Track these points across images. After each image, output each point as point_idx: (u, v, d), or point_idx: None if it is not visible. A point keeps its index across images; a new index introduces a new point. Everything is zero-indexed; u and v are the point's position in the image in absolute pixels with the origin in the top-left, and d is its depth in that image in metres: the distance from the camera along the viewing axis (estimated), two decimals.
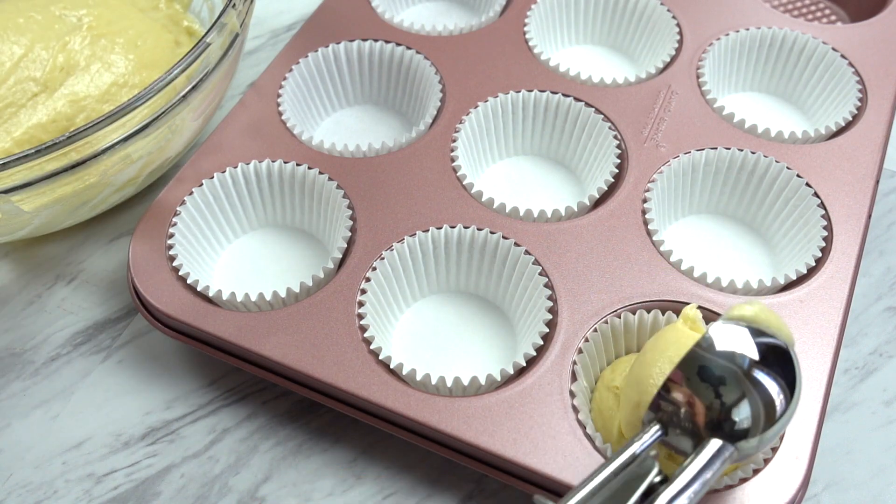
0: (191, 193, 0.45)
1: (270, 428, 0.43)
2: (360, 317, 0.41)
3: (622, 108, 0.49)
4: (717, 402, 0.31)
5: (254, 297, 0.42)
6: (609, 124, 0.48)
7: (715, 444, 0.30)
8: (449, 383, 0.39)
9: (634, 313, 0.41)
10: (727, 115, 0.49)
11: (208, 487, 0.41)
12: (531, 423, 0.37)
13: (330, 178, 0.46)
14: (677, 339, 0.35)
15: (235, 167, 0.46)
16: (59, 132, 0.46)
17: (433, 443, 0.38)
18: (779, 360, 0.32)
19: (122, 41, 0.49)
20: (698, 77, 0.51)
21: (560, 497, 0.36)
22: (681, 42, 0.53)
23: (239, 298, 0.41)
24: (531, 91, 0.50)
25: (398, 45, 0.52)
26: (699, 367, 0.32)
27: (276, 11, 0.64)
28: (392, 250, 0.43)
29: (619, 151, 0.47)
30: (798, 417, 0.37)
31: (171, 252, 0.43)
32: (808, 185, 0.45)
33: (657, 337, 0.36)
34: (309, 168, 0.46)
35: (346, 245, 0.43)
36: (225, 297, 0.41)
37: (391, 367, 0.39)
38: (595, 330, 0.40)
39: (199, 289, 0.42)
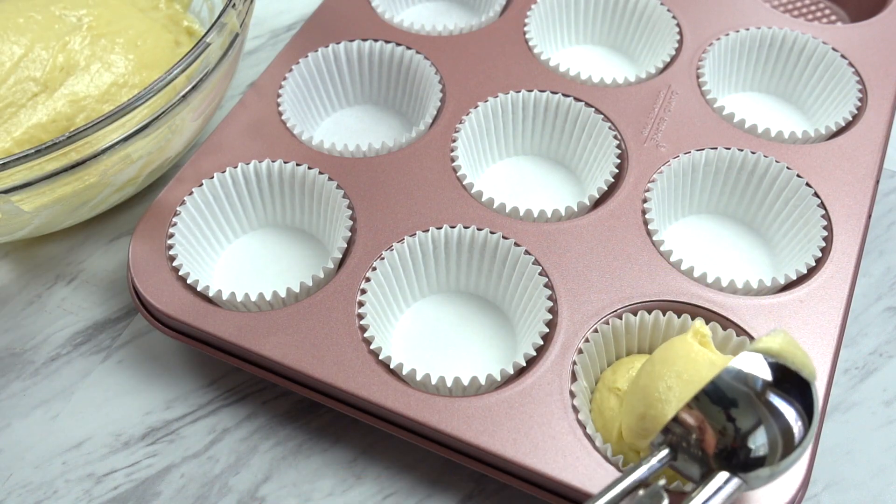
0: (191, 193, 0.45)
1: (270, 428, 0.43)
2: (360, 317, 0.41)
3: (622, 108, 0.49)
4: (731, 427, 0.30)
5: (254, 297, 0.42)
6: (609, 124, 0.48)
7: (721, 477, 0.30)
8: (449, 383, 0.39)
9: (635, 314, 0.41)
10: (727, 115, 0.49)
11: (208, 487, 0.41)
12: (531, 423, 0.37)
13: (330, 178, 0.46)
14: (686, 353, 0.35)
15: (235, 167, 0.46)
16: (59, 132, 0.46)
17: (433, 443, 0.38)
18: (797, 385, 0.31)
19: (122, 41, 0.49)
20: (698, 77, 0.51)
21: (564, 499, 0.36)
22: (681, 42, 0.53)
23: (239, 298, 0.41)
24: (531, 91, 0.50)
25: (398, 45, 0.52)
26: (711, 390, 0.31)
27: (276, 11, 0.64)
28: (392, 250, 0.43)
29: (619, 151, 0.47)
30: None
31: (171, 252, 0.43)
32: (808, 185, 0.45)
33: (665, 348, 0.36)
34: (309, 168, 0.46)
35: (346, 245, 0.43)
36: (225, 297, 0.41)
37: (391, 367, 0.39)
38: (595, 330, 0.40)
39: (199, 289, 0.42)
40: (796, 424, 0.30)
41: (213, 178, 0.46)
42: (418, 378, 0.39)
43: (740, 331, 0.40)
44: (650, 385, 0.34)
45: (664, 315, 0.40)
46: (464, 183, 0.46)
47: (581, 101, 0.49)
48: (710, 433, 0.31)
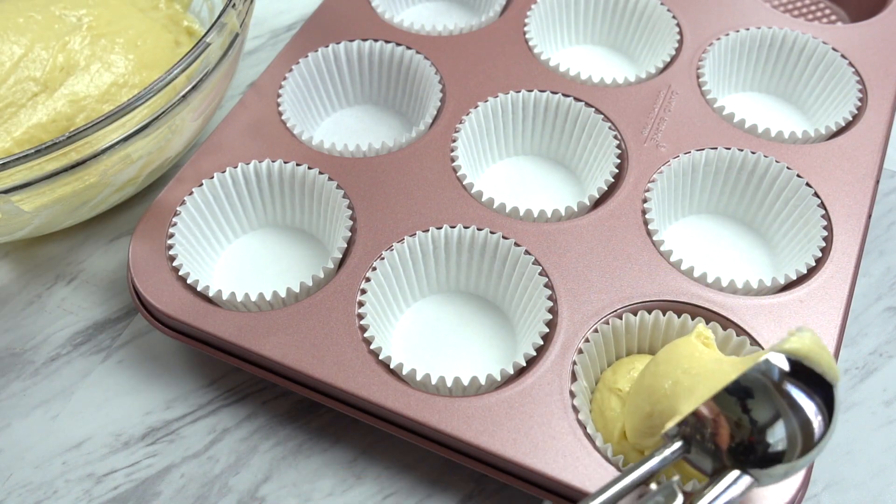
0: (191, 193, 0.45)
1: (270, 428, 0.43)
2: (360, 317, 0.41)
3: (622, 108, 0.49)
4: (746, 418, 0.29)
5: (254, 297, 0.42)
6: (609, 124, 0.48)
7: (733, 474, 0.30)
8: (449, 383, 0.39)
9: (635, 313, 0.41)
10: (727, 115, 0.49)
11: (208, 487, 0.41)
12: (531, 423, 0.37)
13: (330, 178, 0.46)
14: (691, 352, 0.35)
15: (235, 167, 0.46)
16: (59, 132, 0.46)
17: (433, 443, 0.38)
18: (821, 390, 0.30)
19: (122, 41, 0.49)
20: (698, 77, 0.51)
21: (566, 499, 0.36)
22: (681, 42, 0.53)
23: (239, 298, 0.41)
24: (531, 91, 0.50)
25: (398, 45, 0.52)
26: (731, 386, 0.30)
27: (276, 11, 0.64)
28: (392, 250, 0.43)
29: (619, 151, 0.47)
30: None
31: (171, 252, 0.43)
32: (808, 185, 0.45)
33: (669, 349, 0.36)
34: (309, 168, 0.46)
35: (346, 245, 0.43)
36: (225, 297, 0.41)
37: (391, 367, 0.39)
38: (595, 330, 0.40)
39: (199, 289, 0.42)
40: (816, 419, 0.29)
41: (213, 178, 0.46)
42: (418, 378, 0.39)
43: (740, 331, 0.40)
44: (655, 384, 0.34)
45: (664, 315, 0.40)
46: (464, 183, 0.46)
47: (581, 101, 0.49)
48: (725, 426, 0.30)
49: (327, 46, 0.52)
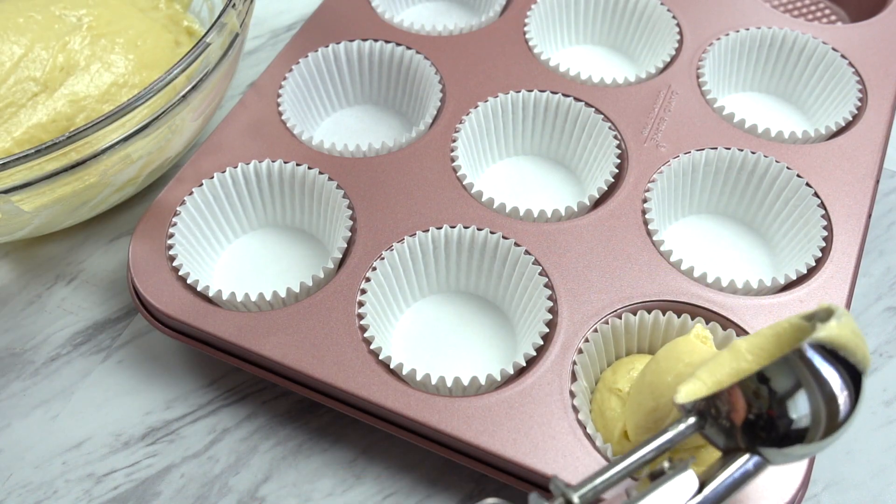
0: (191, 193, 0.45)
1: (270, 428, 0.43)
2: (360, 317, 0.41)
3: (622, 108, 0.49)
4: (765, 389, 0.27)
5: (254, 297, 0.42)
6: (609, 124, 0.48)
7: (745, 457, 0.29)
8: (449, 383, 0.39)
9: (635, 313, 0.41)
10: (727, 115, 0.49)
11: (208, 487, 0.41)
12: (531, 423, 0.37)
13: (330, 178, 0.46)
14: (691, 349, 0.35)
15: (235, 167, 0.46)
16: (59, 132, 0.46)
17: (433, 443, 0.38)
18: (850, 373, 0.28)
19: (122, 41, 0.49)
20: (698, 77, 0.51)
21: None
22: (681, 42, 0.53)
23: (239, 298, 0.41)
24: (531, 91, 0.50)
25: (398, 45, 0.52)
26: (769, 377, 0.28)
27: (276, 11, 0.64)
28: (392, 250, 0.43)
29: (619, 151, 0.47)
30: None
31: (171, 252, 0.43)
32: (808, 185, 0.45)
33: (669, 347, 0.36)
34: (309, 168, 0.46)
35: (346, 245, 0.43)
36: (225, 297, 0.41)
37: (391, 367, 0.39)
38: (595, 330, 0.40)
39: (199, 289, 0.42)
40: (842, 395, 0.27)
41: (213, 178, 0.46)
42: (418, 378, 0.39)
43: (740, 331, 0.40)
44: (657, 380, 0.34)
45: (664, 315, 0.40)
46: (464, 183, 0.46)
47: (581, 101, 0.49)
48: (741, 398, 0.28)
49: (327, 46, 0.52)
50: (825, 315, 0.30)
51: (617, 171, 0.46)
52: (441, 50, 0.52)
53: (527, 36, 0.53)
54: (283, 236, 0.48)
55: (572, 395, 0.38)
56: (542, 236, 0.43)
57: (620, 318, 0.41)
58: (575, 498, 0.28)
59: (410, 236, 0.43)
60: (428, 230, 0.43)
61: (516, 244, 0.43)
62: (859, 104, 0.49)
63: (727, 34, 0.53)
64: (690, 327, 0.40)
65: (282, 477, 0.41)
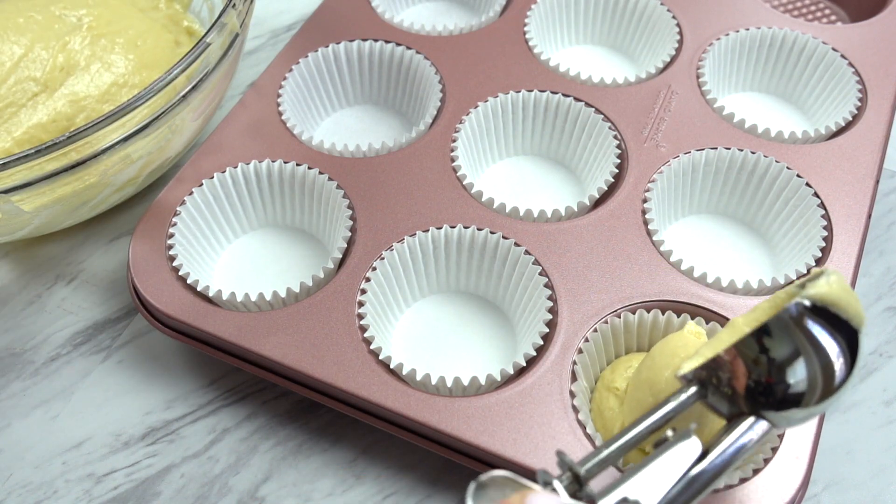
0: (191, 193, 0.45)
1: (270, 428, 0.43)
2: (360, 317, 0.41)
3: (622, 108, 0.49)
4: (764, 357, 0.28)
5: (254, 297, 0.42)
6: (609, 124, 0.48)
7: (748, 421, 0.29)
8: (449, 383, 0.39)
9: (634, 313, 0.41)
10: (727, 115, 0.49)
11: (208, 487, 0.41)
12: (531, 423, 0.37)
13: (330, 178, 0.46)
14: (685, 344, 0.35)
15: (235, 167, 0.46)
16: (59, 132, 0.46)
17: (433, 443, 0.38)
18: (847, 339, 0.28)
19: (122, 41, 0.49)
20: (698, 77, 0.51)
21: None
22: (681, 42, 0.53)
23: (239, 298, 0.41)
24: (531, 91, 0.50)
25: (398, 45, 0.52)
26: (756, 332, 0.29)
27: (276, 11, 0.64)
28: (392, 250, 0.43)
29: (619, 151, 0.47)
30: None
31: (171, 252, 0.43)
32: (808, 185, 0.45)
33: (663, 343, 0.36)
34: (309, 168, 0.46)
35: (346, 245, 0.43)
36: (225, 297, 0.41)
37: (391, 367, 0.39)
38: (595, 330, 0.40)
39: (199, 289, 0.42)
40: (838, 361, 0.27)
41: (213, 178, 0.46)
42: (418, 378, 0.39)
43: None
44: (654, 376, 0.34)
45: (664, 315, 0.40)
46: (464, 183, 0.46)
47: (581, 101, 0.49)
48: (742, 366, 0.28)
49: (327, 46, 0.52)
50: (816, 278, 0.31)
51: (617, 171, 0.46)
52: (441, 50, 0.52)
53: (527, 36, 0.53)
54: (283, 236, 0.48)
55: (572, 395, 0.38)
56: (542, 236, 0.43)
57: (620, 317, 0.41)
58: (582, 470, 0.27)
59: (410, 236, 0.43)
60: (428, 230, 0.43)
61: (516, 244, 0.43)
62: (859, 104, 0.49)
63: (727, 34, 0.53)
64: (678, 325, 0.40)
65: (282, 477, 0.41)
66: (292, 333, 0.40)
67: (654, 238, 0.43)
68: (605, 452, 0.28)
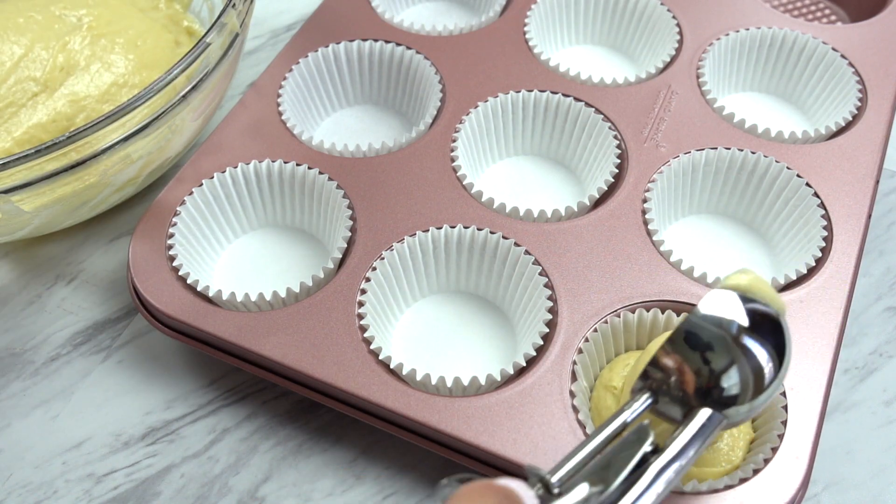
0: (191, 193, 0.45)
1: (270, 428, 0.43)
2: (360, 317, 0.41)
3: (622, 108, 0.49)
4: (706, 368, 0.31)
5: (254, 297, 0.42)
6: (609, 124, 0.48)
7: (704, 413, 0.31)
8: (449, 383, 0.39)
9: (634, 313, 0.41)
10: (727, 115, 0.49)
11: (208, 487, 0.41)
12: (531, 423, 0.37)
13: (330, 178, 0.46)
14: None
15: (235, 167, 0.46)
16: (59, 132, 0.46)
17: (433, 443, 0.38)
18: (770, 328, 0.32)
19: (122, 41, 0.49)
20: (698, 77, 0.51)
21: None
22: (681, 42, 0.53)
23: (239, 298, 0.41)
24: (531, 91, 0.50)
25: (398, 45, 0.52)
26: (688, 334, 0.32)
27: (276, 11, 0.64)
28: (392, 250, 0.43)
29: (619, 151, 0.47)
30: (798, 417, 0.37)
31: (171, 252, 0.43)
32: (808, 185, 0.45)
33: (658, 341, 0.36)
34: (309, 168, 0.46)
35: (346, 245, 0.43)
36: (225, 297, 0.41)
37: (391, 367, 0.39)
38: (595, 330, 0.40)
39: (199, 289, 0.42)
40: (767, 366, 0.31)
41: (213, 178, 0.46)
42: (418, 378, 0.39)
43: None
44: None
45: (664, 314, 0.40)
46: (464, 183, 0.46)
47: (581, 101, 0.49)
48: (689, 373, 0.32)
49: (327, 46, 0.52)
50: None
51: (617, 171, 0.46)
52: (441, 50, 0.52)
53: (527, 36, 0.53)
54: (283, 236, 0.48)
55: (572, 395, 0.38)
56: (542, 236, 0.43)
57: (620, 317, 0.41)
58: (553, 479, 0.29)
59: (410, 236, 0.43)
60: (428, 230, 0.43)
61: (516, 244, 0.43)
62: (859, 104, 0.49)
63: (727, 34, 0.53)
64: (676, 322, 0.40)
65: (282, 477, 0.41)
66: (292, 333, 0.40)
67: (654, 238, 0.43)
68: (573, 462, 0.30)
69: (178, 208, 0.45)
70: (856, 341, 0.45)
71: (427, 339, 0.43)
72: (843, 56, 0.51)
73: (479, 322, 0.44)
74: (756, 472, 0.35)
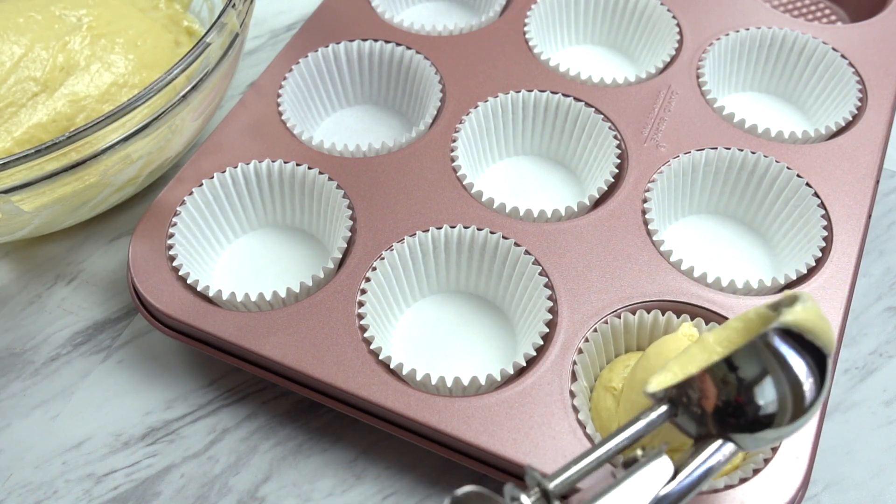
0: (191, 193, 0.45)
1: (270, 428, 0.43)
2: (360, 317, 0.41)
3: (622, 108, 0.49)
4: (734, 377, 0.28)
5: (254, 297, 0.42)
6: (609, 124, 0.48)
7: (717, 443, 0.29)
8: (449, 383, 0.39)
9: (634, 313, 0.41)
10: (727, 115, 0.49)
11: (208, 487, 0.41)
12: (531, 423, 0.37)
13: (330, 178, 0.46)
14: (678, 346, 0.35)
15: (235, 167, 0.46)
16: (59, 132, 0.46)
17: (433, 443, 0.38)
18: (815, 359, 0.29)
19: (122, 41, 0.49)
20: (698, 77, 0.51)
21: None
22: (681, 42, 0.53)
23: (239, 298, 0.41)
24: (531, 91, 0.50)
25: (398, 45, 0.52)
26: (739, 363, 0.29)
27: (276, 11, 0.64)
28: (392, 250, 0.43)
29: (619, 151, 0.47)
30: None
31: (171, 252, 0.43)
32: (808, 185, 0.45)
33: (658, 344, 0.36)
34: (309, 168, 0.46)
35: (346, 245, 0.43)
36: (225, 297, 0.41)
37: (391, 367, 0.39)
38: (595, 330, 0.40)
39: (199, 289, 0.42)
40: (808, 381, 0.28)
41: (213, 178, 0.46)
42: (418, 378, 0.39)
43: None
44: (648, 377, 0.34)
45: (664, 315, 0.40)
46: (464, 183, 0.46)
47: (581, 101, 0.49)
48: (712, 385, 0.29)
49: (327, 46, 0.52)
50: (790, 302, 0.31)
51: (617, 171, 0.46)
52: (441, 50, 0.52)
53: (527, 36, 0.53)
54: (283, 236, 0.48)
55: (572, 395, 0.38)
56: (542, 236, 0.43)
57: (620, 317, 0.41)
58: (550, 486, 0.28)
59: (410, 236, 0.43)
60: (428, 230, 0.43)
61: (516, 244, 0.43)
62: (859, 104, 0.49)
63: (727, 34, 0.53)
64: (677, 325, 0.40)
65: (282, 477, 0.41)
66: (292, 333, 0.40)
67: (654, 238, 0.43)
68: (574, 469, 0.28)
69: (178, 208, 0.45)
70: (856, 341, 0.45)
71: (427, 339, 0.43)
72: (843, 56, 0.51)
73: (479, 322, 0.44)
74: (756, 472, 0.35)
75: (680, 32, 0.53)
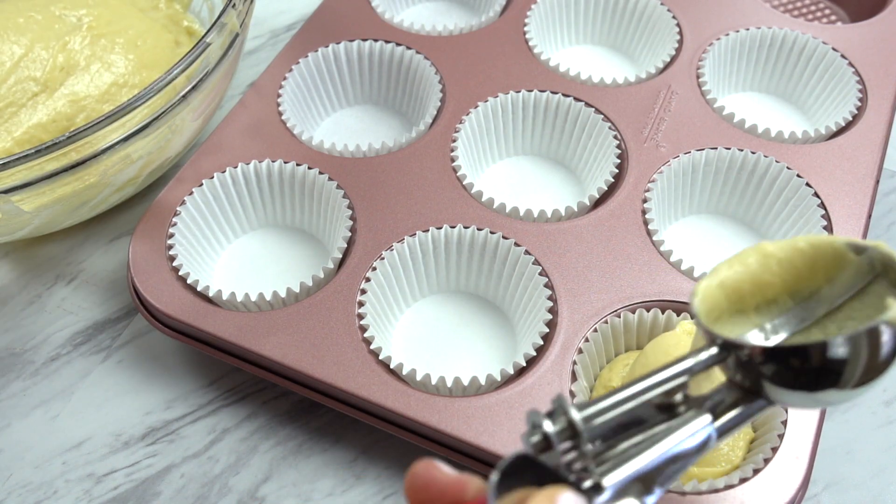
0: (191, 193, 0.45)
1: (270, 428, 0.43)
2: (360, 317, 0.41)
3: (622, 108, 0.49)
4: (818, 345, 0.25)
5: (254, 297, 0.42)
6: (609, 124, 0.48)
7: (762, 403, 0.26)
8: (449, 383, 0.39)
9: (634, 313, 0.41)
10: (727, 115, 0.49)
11: (208, 487, 0.41)
12: None
13: (330, 178, 0.46)
14: (677, 343, 0.35)
15: (235, 167, 0.46)
16: (59, 132, 0.46)
17: (433, 443, 0.38)
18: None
19: (122, 41, 0.49)
20: (698, 77, 0.51)
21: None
22: (681, 42, 0.53)
23: (239, 298, 0.41)
24: (531, 91, 0.50)
25: (398, 45, 0.52)
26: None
27: (276, 11, 0.64)
28: (392, 250, 0.43)
29: (619, 151, 0.47)
30: (798, 417, 0.37)
31: (171, 252, 0.43)
32: (808, 185, 0.45)
33: (656, 342, 0.36)
34: (309, 168, 0.46)
35: (346, 245, 0.43)
36: (225, 297, 0.41)
37: (391, 367, 0.39)
38: (595, 330, 0.40)
39: (199, 289, 0.42)
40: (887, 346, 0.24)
41: (213, 178, 0.46)
42: (418, 378, 0.39)
43: None
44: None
45: (664, 314, 0.40)
46: (464, 183, 0.46)
47: (581, 101, 0.49)
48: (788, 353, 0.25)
49: (327, 46, 0.52)
50: (881, 261, 0.27)
51: (617, 171, 0.46)
52: (441, 50, 0.52)
53: (527, 36, 0.53)
54: (283, 236, 0.48)
55: (572, 395, 0.38)
56: (542, 236, 0.43)
57: (620, 317, 0.41)
58: (578, 419, 0.23)
59: (410, 236, 0.43)
60: (428, 230, 0.43)
61: (516, 244, 0.43)
62: (859, 104, 0.49)
63: (727, 34, 0.53)
64: (676, 323, 0.40)
65: (282, 477, 0.41)
66: (292, 333, 0.40)
67: (654, 238, 0.43)
68: (607, 402, 0.24)
69: (178, 208, 0.45)
70: None
71: (427, 339, 0.43)
72: (843, 56, 0.51)
73: (479, 322, 0.44)
74: (756, 472, 0.35)
75: (680, 32, 0.53)
